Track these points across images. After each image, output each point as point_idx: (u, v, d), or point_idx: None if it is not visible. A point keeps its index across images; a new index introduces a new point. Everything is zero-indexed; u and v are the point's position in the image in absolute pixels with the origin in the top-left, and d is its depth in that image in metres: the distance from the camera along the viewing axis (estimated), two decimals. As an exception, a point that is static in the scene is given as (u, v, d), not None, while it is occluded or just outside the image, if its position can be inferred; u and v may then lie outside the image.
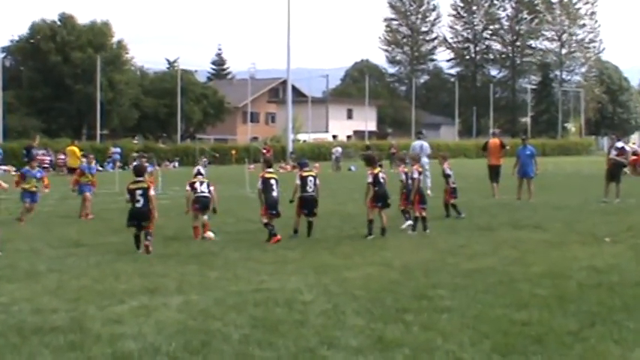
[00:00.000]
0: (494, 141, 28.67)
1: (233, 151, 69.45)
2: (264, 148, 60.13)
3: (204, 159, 31.42)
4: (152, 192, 14.64)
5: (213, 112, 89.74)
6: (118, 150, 58.65)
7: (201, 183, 16.48)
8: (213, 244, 15.09)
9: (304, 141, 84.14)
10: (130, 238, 14.69)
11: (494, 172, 27.62)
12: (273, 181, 15.97)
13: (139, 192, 14.41)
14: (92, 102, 70.04)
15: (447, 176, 20.56)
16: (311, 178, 16.45)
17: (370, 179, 16.41)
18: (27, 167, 20.52)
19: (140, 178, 14.71)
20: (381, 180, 16.48)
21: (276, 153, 64.74)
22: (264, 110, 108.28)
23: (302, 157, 59.60)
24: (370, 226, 16.04)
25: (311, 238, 16.06)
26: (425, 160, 27.71)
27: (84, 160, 25.18)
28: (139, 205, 14.39)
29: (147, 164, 20.49)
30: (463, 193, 28.59)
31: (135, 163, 19.17)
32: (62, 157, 48.74)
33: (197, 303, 9.55)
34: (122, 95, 77.23)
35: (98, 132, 69.51)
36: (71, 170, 31.96)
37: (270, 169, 16.83)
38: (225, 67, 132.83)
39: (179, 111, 78.42)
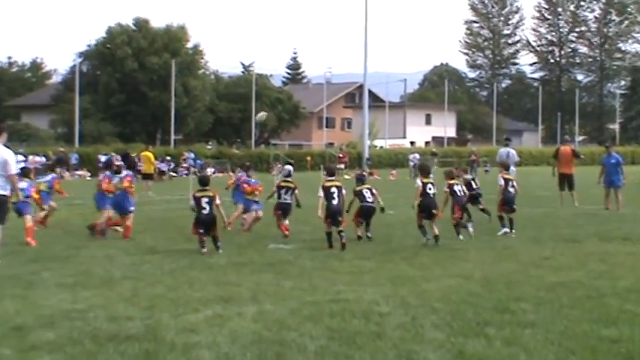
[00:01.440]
0: (565, 148, 28.23)
1: (308, 158, 69.76)
2: (340, 154, 60.28)
3: (279, 165, 31.65)
4: (218, 201, 15.62)
5: (288, 118, 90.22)
6: (192, 155, 59.48)
7: (286, 191, 17.82)
8: (289, 253, 15.15)
9: (381, 147, 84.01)
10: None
11: (564, 181, 27.15)
12: (334, 189, 16.23)
13: (204, 200, 15.41)
14: (167, 107, 71.20)
15: (453, 193, 18.25)
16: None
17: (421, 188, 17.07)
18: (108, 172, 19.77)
19: (206, 187, 15.74)
20: (429, 191, 16.90)
21: (351, 159, 64.82)
22: (340, 115, 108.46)
23: (362, 171, 59.29)
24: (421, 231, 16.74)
25: (373, 248, 15.98)
26: (512, 168, 27.49)
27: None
28: (205, 212, 15.32)
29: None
30: (546, 202, 28.24)
31: (200, 174, 20.76)
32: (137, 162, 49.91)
33: (272, 313, 9.59)
34: (197, 100, 78.18)
35: (172, 137, 70.60)
36: (146, 176, 32.43)
37: (332, 177, 17.11)
38: (300, 71, 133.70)
39: (253, 116, 79.07)
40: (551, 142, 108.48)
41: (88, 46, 79.70)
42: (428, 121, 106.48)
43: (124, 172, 18.75)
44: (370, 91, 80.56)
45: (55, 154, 47.99)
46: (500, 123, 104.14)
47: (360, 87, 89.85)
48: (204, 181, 16.21)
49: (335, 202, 16.10)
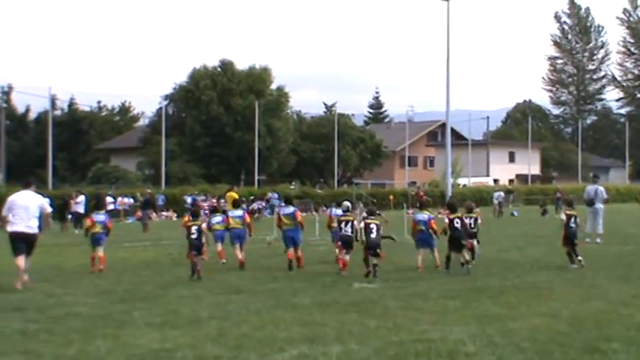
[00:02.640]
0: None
1: (391, 197, 69.64)
2: (418, 193, 59.90)
3: (361, 204, 31.83)
4: (204, 225, 19.19)
5: (370, 157, 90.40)
6: (276, 195, 59.91)
7: (346, 223, 19.28)
8: (373, 292, 15.14)
9: (464, 185, 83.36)
10: (288, 285, 15.07)
11: None
12: (373, 226, 18.47)
13: (194, 227, 18.47)
14: (250, 148, 72.13)
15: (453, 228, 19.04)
16: (373, 226, 18.55)
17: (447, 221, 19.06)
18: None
19: (195, 219, 18.98)
20: (456, 225, 18.82)
21: (434, 198, 64.47)
22: (422, 154, 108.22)
23: (456, 201, 58.81)
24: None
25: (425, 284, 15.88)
26: (599, 205, 27.09)
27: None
28: (194, 237, 18.34)
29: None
30: (634, 240, 27.65)
31: (190, 207, 23.56)
32: (222, 202, 50.45)
33: (357, 352, 9.59)
34: (280, 141, 79.03)
35: (256, 177, 71.39)
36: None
37: (372, 217, 19.18)
38: (382, 110, 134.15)
39: (336, 156, 79.49)
40: (639, 178, 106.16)
41: (174, 88, 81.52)
42: (511, 159, 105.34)
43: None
44: (453, 129, 79.97)
45: (143, 196, 48.95)
46: (585, 160, 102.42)
47: (443, 125, 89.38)
48: (195, 214, 19.60)
49: (373, 235, 18.34)
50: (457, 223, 18.86)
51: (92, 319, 12.21)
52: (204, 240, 18.66)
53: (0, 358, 9.52)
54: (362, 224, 18.81)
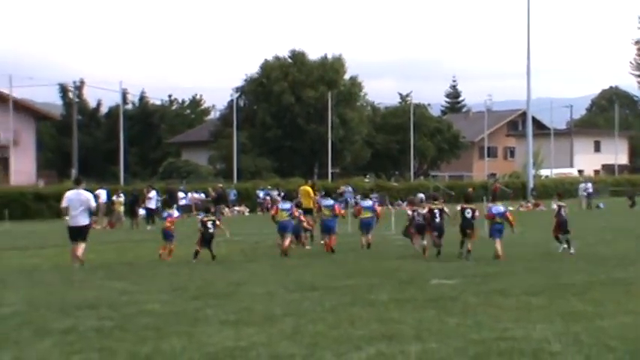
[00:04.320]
0: None
1: (470, 189, 68.86)
2: (494, 185, 58.77)
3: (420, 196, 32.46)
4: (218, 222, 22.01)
5: (447, 148, 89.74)
6: (350, 189, 59.69)
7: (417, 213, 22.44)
8: (452, 288, 15.04)
9: (546, 176, 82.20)
10: (364, 282, 15.08)
11: None
12: (436, 211, 21.72)
13: (209, 223, 21.47)
14: (324, 140, 72.26)
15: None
16: (437, 211, 21.84)
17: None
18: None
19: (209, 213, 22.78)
20: (467, 215, 20.97)
21: (516, 190, 63.68)
22: (502, 144, 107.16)
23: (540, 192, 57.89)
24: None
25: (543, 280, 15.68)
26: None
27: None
28: (210, 231, 21.29)
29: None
30: None
31: (214, 194, 27.47)
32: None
33: (437, 351, 9.53)
34: (354, 133, 78.94)
35: (329, 170, 71.49)
36: (306, 211, 32.43)
37: (436, 202, 23.07)
38: (460, 99, 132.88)
39: (412, 147, 79.10)
40: None
41: (245, 80, 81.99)
42: (597, 149, 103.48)
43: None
44: (534, 118, 79.25)
45: (215, 191, 49.33)
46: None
47: (523, 114, 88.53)
48: (208, 209, 23.95)
49: (437, 220, 21.50)
50: (469, 213, 21.09)
51: (165, 317, 12.34)
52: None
53: (75, 356, 9.70)
54: (426, 210, 22.09)
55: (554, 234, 22.66)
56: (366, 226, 24.52)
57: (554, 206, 23.31)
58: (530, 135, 67.13)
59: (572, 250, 21.45)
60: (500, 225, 20.92)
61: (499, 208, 21.67)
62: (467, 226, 20.86)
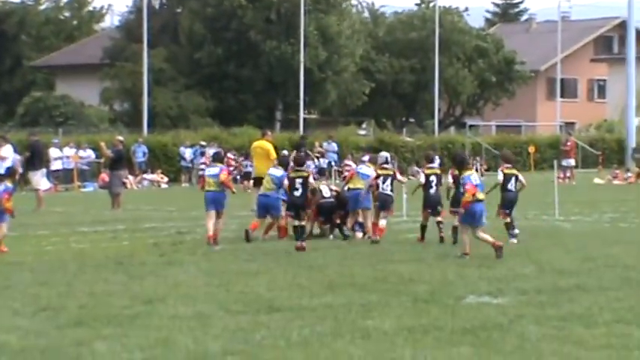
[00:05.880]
0: None
1: (530, 149, 50.90)
2: (565, 144, 43.68)
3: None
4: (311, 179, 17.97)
5: (495, 81, 65.49)
6: (334, 147, 43.91)
7: (384, 179, 17.99)
8: (499, 311, 11.04)
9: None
10: (355, 298, 11.57)
11: None
12: (433, 178, 17.84)
13: (298, 180, 17.19)
14: (292, 67, 53.13)
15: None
16: (433, 177, 17.92)
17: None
18: None
19: (302, 168, 17.94)
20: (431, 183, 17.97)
21: (606, 151, 51.07)
22: (585, 76, 76.10)
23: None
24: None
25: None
26: None
27: None
28: (297, 194, 17.09)
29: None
30: None
31: (294, 155, 22.15)
32: (241, 159, 43.52)
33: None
34: (341, 55, 55.86)
35: (301, 116, 51.75)
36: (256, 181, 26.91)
37: (433, 165, 18.79)
38: (516, 2, 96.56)
39: (436, 79, 56.26)
40: None
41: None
42: None
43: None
44: (638, 33, 58.46)
45: (111, 148, 31.17)
46: None
47: (620, 26, 67.37)
48: (299, 162, 18.29)
49: (432, 190, 17.73)
50: (433, 180, 18.06)
51: (26, 356, 9.07)
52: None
53: None
54: (422, 177, 18.59)
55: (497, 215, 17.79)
56: (356, 203, 18.53)
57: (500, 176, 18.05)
58: (632, 60, 53.82)
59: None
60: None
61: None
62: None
